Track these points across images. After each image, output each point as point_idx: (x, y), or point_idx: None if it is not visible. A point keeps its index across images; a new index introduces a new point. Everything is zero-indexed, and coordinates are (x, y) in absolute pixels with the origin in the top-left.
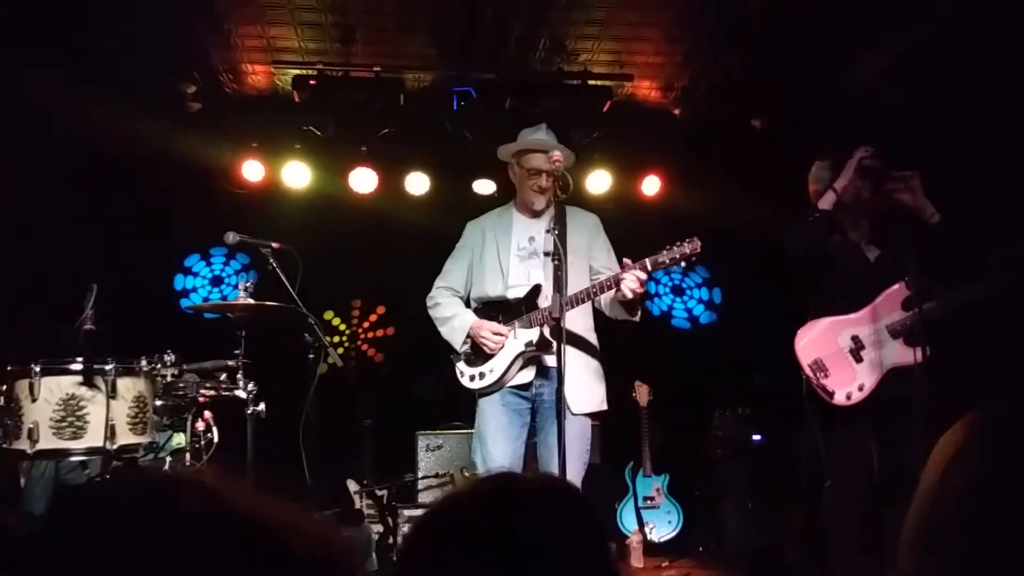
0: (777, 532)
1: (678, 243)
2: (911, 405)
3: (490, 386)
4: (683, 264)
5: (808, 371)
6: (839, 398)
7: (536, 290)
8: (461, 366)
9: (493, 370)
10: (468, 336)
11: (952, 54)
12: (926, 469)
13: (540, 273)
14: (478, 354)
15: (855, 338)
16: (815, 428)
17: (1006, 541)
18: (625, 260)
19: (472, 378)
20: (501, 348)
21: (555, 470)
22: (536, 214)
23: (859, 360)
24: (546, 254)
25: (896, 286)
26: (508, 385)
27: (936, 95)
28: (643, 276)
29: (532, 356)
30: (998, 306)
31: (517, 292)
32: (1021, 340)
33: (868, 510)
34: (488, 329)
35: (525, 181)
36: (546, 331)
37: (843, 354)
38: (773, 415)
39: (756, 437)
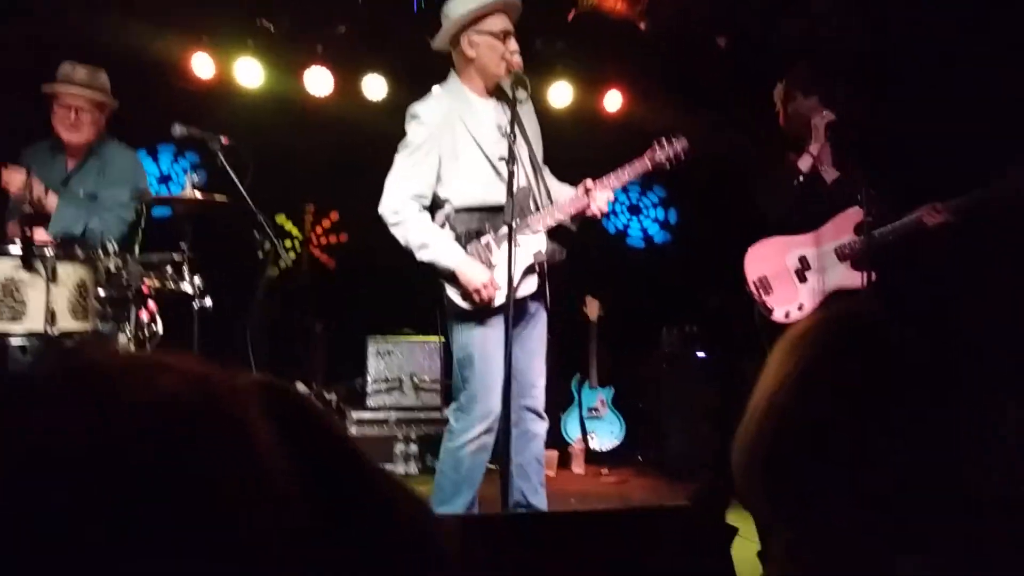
0: (718, 448)
1: (659, 143)
2: None
3: (491, 310)
4: (668, 167)
5: (752, 287)
6: (778, 315)
7: (524, 192)
8: (454, 291)
9: (501, 288)
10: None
11: None
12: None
13: (520, 170)
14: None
15: (802, 258)
16: (764, 346)
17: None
18: (585, 181)
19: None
20: (496, 290)
21: (535, 383)
22: (489, 96)
23: (803, 280)
24: (506, 135)
25: (850, 209)
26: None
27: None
28: (611, 197)
29: (539, 266)
30: (945, 238)
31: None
32: (961, 273)
33: None
34: (480, 279)
35: (492, 50)
36: (552, 236)
37: (788, 273)
38: (722, 334)
39: (700, 354)
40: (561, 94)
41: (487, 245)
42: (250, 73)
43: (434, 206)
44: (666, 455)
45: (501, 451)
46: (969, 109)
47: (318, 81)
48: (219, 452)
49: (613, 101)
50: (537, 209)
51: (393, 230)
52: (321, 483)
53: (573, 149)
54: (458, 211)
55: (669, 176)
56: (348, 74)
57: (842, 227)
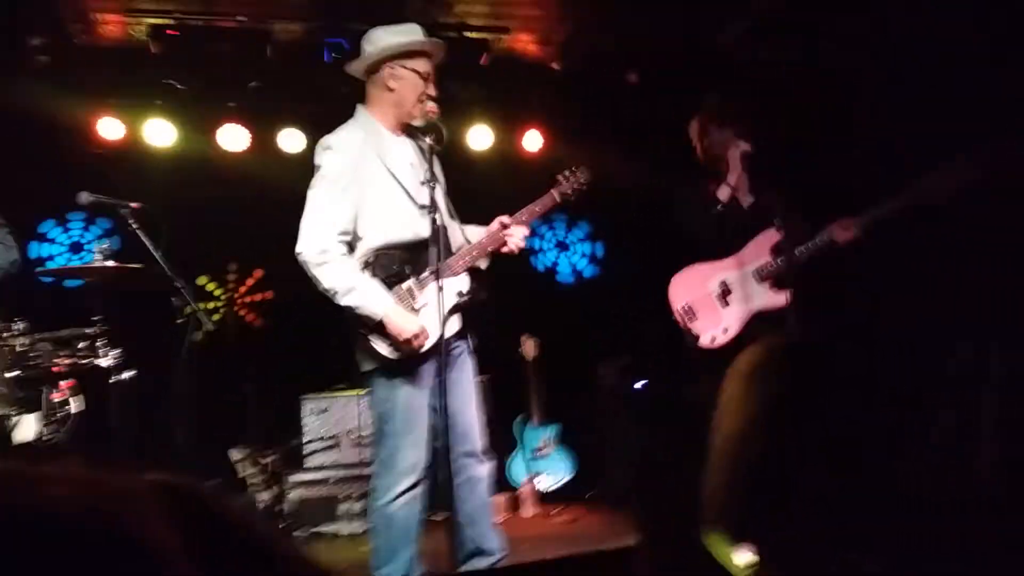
0: (662, 475)
1: (564, 176)
2: (772, 347)
3: (416, 362)
4: (574, 198)
5: (677, 315)
6: (704, 341)
7: (444, 229)
8: (379, 339)
9: (430, 336)
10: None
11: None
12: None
13: (435, 204)
14: None
15: (723, 283)
16: (696, 373)
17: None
18: (500, 218)
19: (397, 349)
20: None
21: (471, 424)
22: (399, 133)
23: (726, 304)
24: (426, 183)
25: (767, 231)
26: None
27: (796, 50)
28: (527, 231)
29: (464, 306)
30: (860, 253)
31: (428, 228)
32: (880, 287)
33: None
34: (413, 329)
35: (414, 88)
36: (472, 276)
37: (711, 298)
38: (656, 363)
39: (638, 385)
40: (481, 137)
41: (409, 290)
42: (160, 133)
43: (352, 245)
44: (611, 488)
45: (447, 503)
46: (883, 124)
47: (232, 137)
48: (108, 566)
49: (533, 141)
50: (453, 251)
51: (315, 271)
52: None
53: (496, 190)
54: (377, 251)
55: (593, 211)
56: (263, 129)
57: (760, 250)
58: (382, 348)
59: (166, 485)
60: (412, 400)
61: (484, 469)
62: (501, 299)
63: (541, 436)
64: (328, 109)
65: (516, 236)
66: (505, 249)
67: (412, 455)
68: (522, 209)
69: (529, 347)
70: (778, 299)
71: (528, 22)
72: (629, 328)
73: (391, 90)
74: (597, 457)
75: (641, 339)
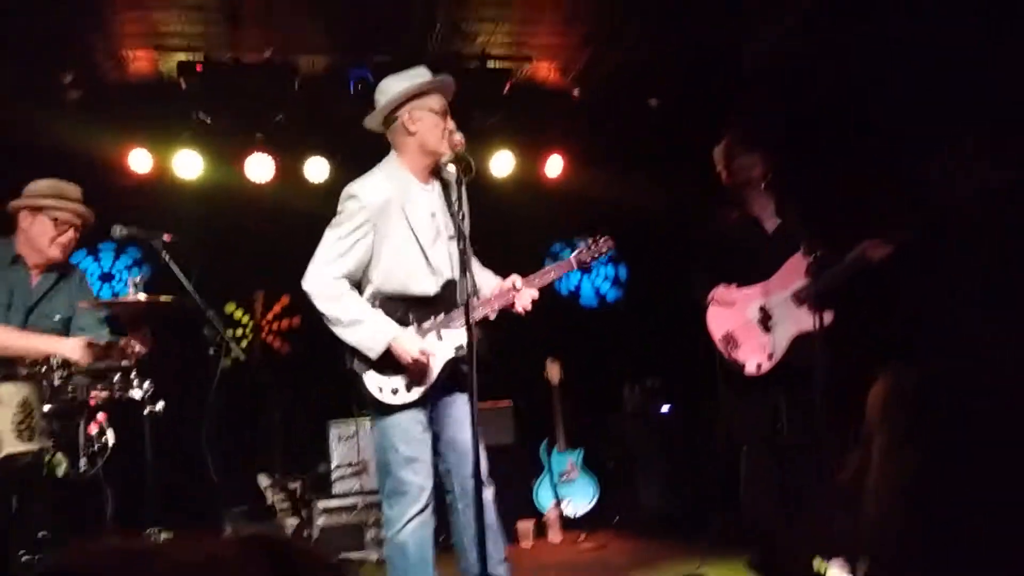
0: (688, 498)
1: (590, 242)
2: (816, 369)
3: (415, 401)
4: (591, 265)
5: (720, 345)
6: (750, 368)
7: (451, 285)
8: (374, 377)
9: (420, 384)
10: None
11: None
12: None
13: (448, 262)
14: (393, 364)
15: (763, 308)
16: (727, 396)
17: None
18: (513, 278)
19: (395, 391)
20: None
21: (468, 440)
22: (428, 180)
23: (767, 330)
24: (450, 238)
25: (798, 254)
26: None
27: (822, 70)
28: (536, 295)
29: (460, 360)
30: (894, 272)
31: (435, 287)
32: (916, 304)
33: (777, 470)
34: (417, 349)
35: (435, 127)
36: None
37: (752, 325)
38: (682, 385)
39: (664, 409)
40: (503, 163)
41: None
42: (189, 165)
43: (360, 286)
44: (641, 513)
45: (458, 527)
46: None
47: (259, 167)
48: None
49: (554, 166)
50: (459, 304)
51: (320, 305)
52: None
53: (519, 215)
54: (384, 297)
55: (616, 233)
56: (289, 158)
57: (793, 273)
58: (375, 391)
59: (255, 540)
60: (408, 431)
61: (488, 492)
62: (524, 324)
63: (567, 461)
64: (353, 139)
65: (524, 299)
66: (512, 310)
67: (417, 481)
68: (536, 272)
69: (554, 371)
70: (818, 322)
71: (549, 50)
72: (653, 351)
73: (412, 133)
74: (623, 482)
75: (666, 362)
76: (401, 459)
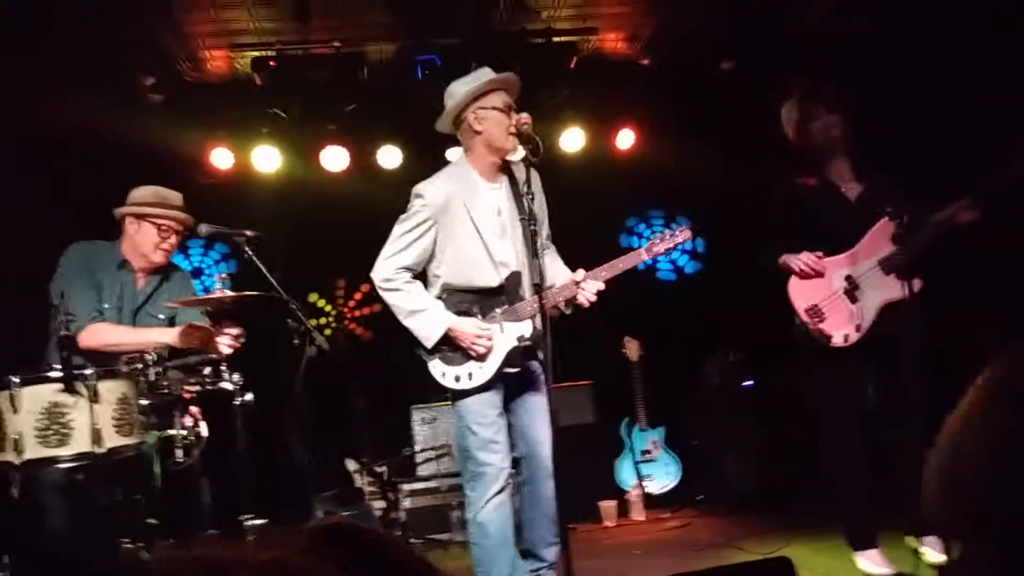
0: (775, 475)
1: (662, 235)
2: (905, 338)
3: (479, 387)
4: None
5: (805, 317)
6: (837, 340)
7: (516, 277)
8: (439, 364)
9: (483, 370)
10: (446, 336)
11: None
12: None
13: (513, 255)
14: (457, 351)
15: (848, 278)
16: (811, 368)
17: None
18: (580, 271)
19: (457, 378)
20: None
21: (544, 440)
22: (496, 177)
23: (854, 300)
24: (522, 225)
25: (883, 220)
26: None
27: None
28: (602, 286)
29: (524, 349)
30: (984, 236)
31: (501, 280)
32: (1009, 269)
33: (864, 442)
34: (474, 331)
35: (500, 124)
36: (537, 323)
37: (838, 296)
38: (765, 358)
39: (747, 383)
40: (573, 139)
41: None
42: (268, 159)
43: (426, 281)
44: (726, 490)
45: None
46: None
47: (334, 158)
48: None
49: (626, 139)
50: (526, 295)
51: (385, 295)
52: None
53: (592, 190)
54: (450, 290)
55: (692, 205)
56: (362, 148)
57: (879, 240)
58: (439, 377)
59: (327, 530)
60: (482, 414)
61: (548, 486)
62: (601, 302)
63: (648, 439)
64: (422, 124)
65: (589, 290)
66: (576, 302)
67: (494, 463)
68: (604, 265)
69: (632, 348)
70: (906, 289)
71: (614, 20)
72: (734, 324)
73: (479, 132)
74: (707, 459)
75: (747, 335)
76: (479, 442)
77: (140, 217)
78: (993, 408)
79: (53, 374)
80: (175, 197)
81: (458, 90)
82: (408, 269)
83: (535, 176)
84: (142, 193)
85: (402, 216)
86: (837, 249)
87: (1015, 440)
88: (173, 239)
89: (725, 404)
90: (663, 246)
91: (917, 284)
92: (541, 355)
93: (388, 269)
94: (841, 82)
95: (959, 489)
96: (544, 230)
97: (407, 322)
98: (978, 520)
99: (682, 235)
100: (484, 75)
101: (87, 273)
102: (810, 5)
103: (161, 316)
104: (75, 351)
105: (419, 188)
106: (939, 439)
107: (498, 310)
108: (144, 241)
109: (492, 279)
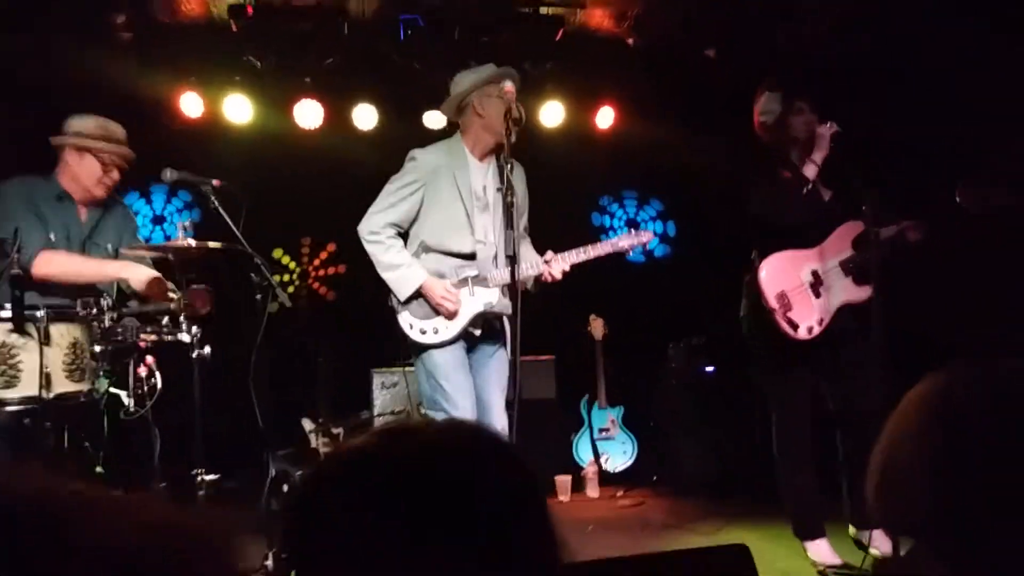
0: (729, 462)
1: (629, 234)
2: (858, 339)
3: (442, 342)
4: (628, 253)
5: (774, 303)
6: (802, 332)
7: (491, 250)
8: (408, 317)
9: (448, 328)
10: (418, 292)
11: None
12: (890, 422)
13: (492, 230)
14: (425, 307)
15: (815, 273)
16: (760, 362)
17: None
18: (549, 252)
19: (423, 332)
20: (456, 311)
21: (495, 405)
22: (486, 159)
23: (817, 295)
24: (500, 194)
25: (849, 223)
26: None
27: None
28: (567, 268)
29: (489, 315)
30: (943, 246)
31: (476, 248)
32: (967, 281)
33: (813, 439)
34: (442, 291)
35: (499, 112)
36: (505, 293)
37: (804, 288)
38: (727, 346)
39: (708, 369)
40: (553, 114)
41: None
42: (239, 109)
43: (406, 239)
44: (680, 473)
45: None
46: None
47: (308, 113)
48: None
49: (605, 117)
50: (498, 267)
51: (368, 246)
52: None
53: (567, 167)
54: (427, 249)
55: (665, 189)
56: (338, 105)
57: (842, 242)
58: (408, 330)
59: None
60: (452, 366)
61: None
62: (569, 279)
63: (607, 417)
64: (402, 86)
65: (554, 269)
66: (542, 279)
67: (468, 409)
68: (573, 249)
69: (597, 327)
70: (862, 293)
71: None
72: (700, 310)
73: (481, 116)
74: (663, 440)
75: (712, 321)
76: (447, 393)
77: (82, 149)
78: (927, 425)
79: (3, 313)
80: (119, 131)
81: (466, 79)
82: (394, 225)
83: (519, 169)
84: (84, 124)
85: (393, 176)
86: (809, 243)
87: (946, 456)
88: (115, 174)
89: (685, 388)
90: (627, 243)
91: (870, 291)
92: (508, 327)
93: (376, 223)
94: (841, 83)
95: (895, 495)
96: (523, 222)
97: (384, 274)
98: (911, 523)
99: (646, 236)
100: (490, 68)
101: (30, 205)
102: (808, 22)
103: (109, 247)
104: (28, 288)
105: (414, 152)
106: (878, 445)
107: (470, 274)
108: (86, 174)
109: (467, 245)
